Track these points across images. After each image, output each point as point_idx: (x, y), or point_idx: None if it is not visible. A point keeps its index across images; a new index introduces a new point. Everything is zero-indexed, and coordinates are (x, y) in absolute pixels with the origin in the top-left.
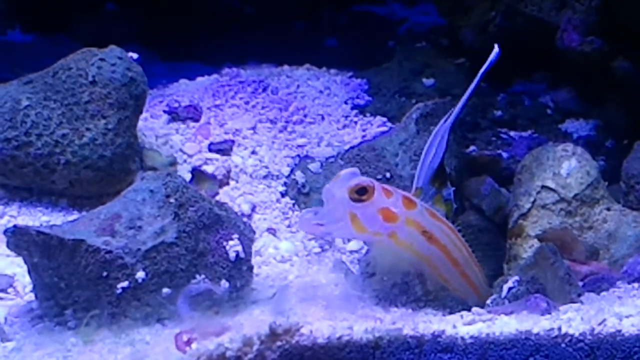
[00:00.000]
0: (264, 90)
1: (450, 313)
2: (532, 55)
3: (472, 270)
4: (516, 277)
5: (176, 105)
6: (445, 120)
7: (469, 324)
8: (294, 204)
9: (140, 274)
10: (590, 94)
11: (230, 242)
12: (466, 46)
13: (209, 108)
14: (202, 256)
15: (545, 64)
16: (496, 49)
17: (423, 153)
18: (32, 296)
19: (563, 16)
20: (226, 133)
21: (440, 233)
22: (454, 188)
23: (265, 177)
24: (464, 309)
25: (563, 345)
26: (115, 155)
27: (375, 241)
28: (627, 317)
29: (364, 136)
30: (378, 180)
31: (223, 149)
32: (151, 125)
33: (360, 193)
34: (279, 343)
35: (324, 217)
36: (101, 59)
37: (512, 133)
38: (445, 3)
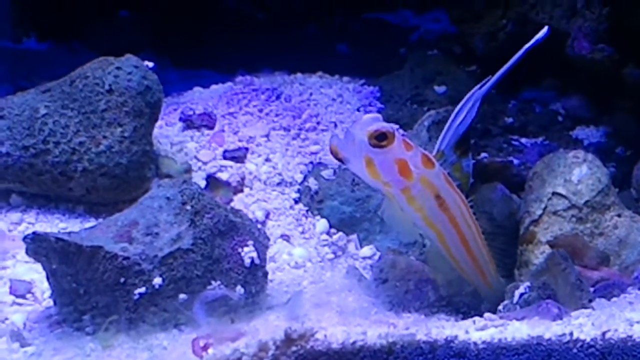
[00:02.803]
0: (278, 98)
1: (463, 319)
2: (542, 63)
3: (481, 253)
4: (528, 283)
5: (191, 112)
6: (481, 87)
7: (481, 329)
8: (307, 211)
9: (157, 280)
10: (601, 101)
11: (245, 249)
12: (477, 54)
13: (223, 116)
14: (217, 262)
15: (555, 72)
16: (545, 29)
17: (452, 116)
18: (50, 302)
19: (574, 24)
20: (240, 140)
21: (452, 202)
22: (474, 160)
23: (278, 184)
24: (476, 314)
25: (574, 350)
26: (131, 162)
27: (387, 194)
28: (638, 322)
29: None
30: None
31: (237, 156)
32: (166, 132)
33: (380, 139)
34: (294, 348)
35: (347, 150)
36: (117, 68)
37: (523, 140)
38: (456, 11)
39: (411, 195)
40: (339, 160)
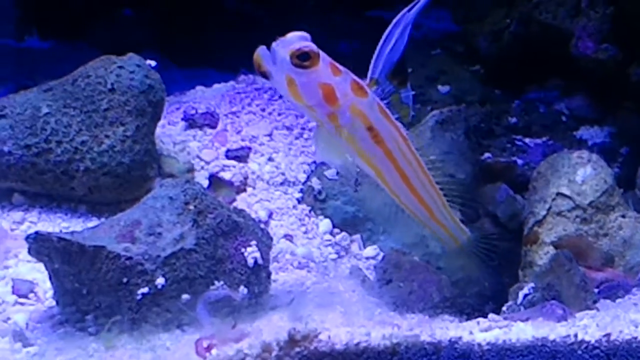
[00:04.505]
0: (280, 97)
1: (468, 319)
2: (546, 62)
3: (425, 190)
4: (532, 284)
5: (193, 112)
6: (409, 10)
7: (486, 330)
8: (310, 211)
9: (160, 280)
10: (605, 101)
11: (249, 249)
12: (481, 53)
13: (225, 115)
14: (220, 263)
15: (559, 71)
16: None
17: (380, 42)
18: (53, 302)
19: (578, 24)
20: (243, 140)
21: (388, 135)
22: (413, 92)
23: (281, 183)
24: (480, 315)
25: (579, 352)
26: (134, 162)
27: (315, 120)
28: None
29: None
30: None
31: (240, 155)
32: (169, 132)
33: (302, 58)
34: (297, 349)
35: (270, 65)
36: (120, 67)
37: (527, 140)
38: (459, 10)
39: (339, 124)
40: (262, 74)
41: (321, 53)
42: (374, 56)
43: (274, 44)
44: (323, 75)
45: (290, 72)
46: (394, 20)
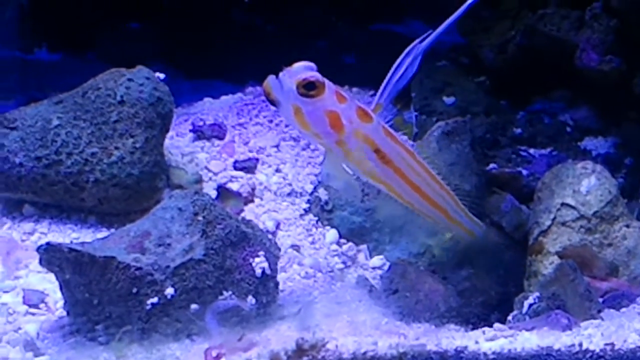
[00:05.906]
0: None
1: (473, 329)
2: (551, 74)
3: (439, 194)
4: (537, 294)
5: (201, 123)
6: (421, 41)
7: (491, 339)
8: (317, 221)
9: (170, 290)
10: (609, 112)
11: (257, 259)
12: (486, 64)
13: (233, 126)
14: (229, 273)
15: (564, 82)
16: None
17: (391, 69)
18: (63, 312)
19: (582, 36)
20: (250, 151)
21: (395, 155)
22: (416, 113)
23: (289, 194)
24: (486, 325)
25: None
26: (143, 173)
27: (324, 147)
28: None
29: None
30: None
31: (247, 166)
32: (177, 143)
33: (308, 88)
34: (305, 358)
35: (280, 94)
36: (129, 79)
37: (531, 151)
38: (465, 22)
39: (348, 149)
40: (271, 102)
41: (327, 82)
42: (383, 83)
43: (280, 74)
44: (329, 103)
45: (296, 101)
46: (406, 50)
